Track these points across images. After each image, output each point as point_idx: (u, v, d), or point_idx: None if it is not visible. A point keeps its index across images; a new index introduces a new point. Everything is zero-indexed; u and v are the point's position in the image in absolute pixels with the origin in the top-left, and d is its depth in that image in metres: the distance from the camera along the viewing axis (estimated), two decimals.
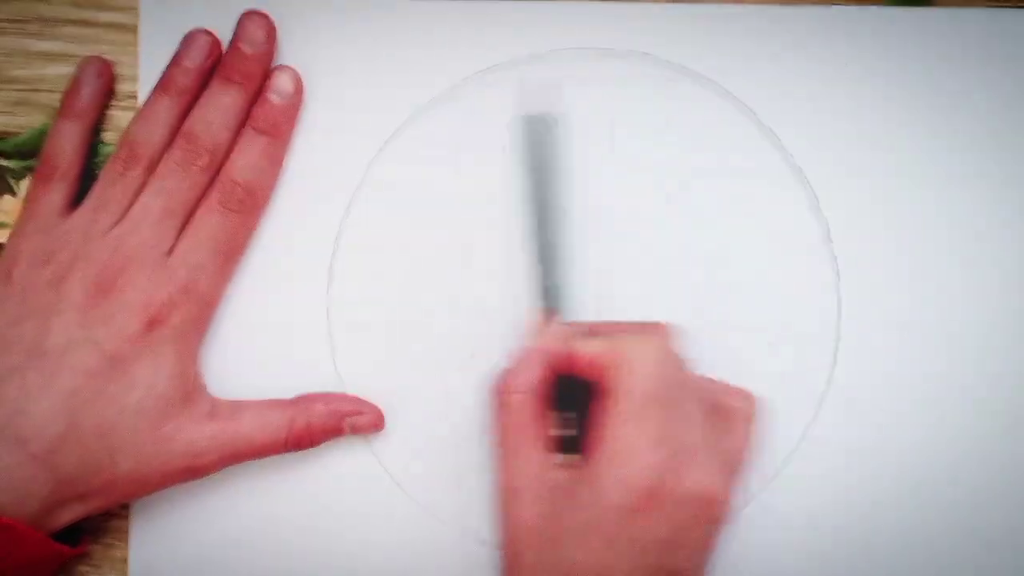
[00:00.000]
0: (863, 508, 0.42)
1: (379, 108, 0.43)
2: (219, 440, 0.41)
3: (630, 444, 0.35)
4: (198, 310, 0.41)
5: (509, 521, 0.37)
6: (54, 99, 0.44)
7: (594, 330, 0.39)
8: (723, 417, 0.39)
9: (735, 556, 0.42)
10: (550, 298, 0.41)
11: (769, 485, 0.42)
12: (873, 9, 0.43)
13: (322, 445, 0.42)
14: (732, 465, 0.38)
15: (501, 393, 0.38)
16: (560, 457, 0.38)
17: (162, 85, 0.42)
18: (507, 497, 0.37)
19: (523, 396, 0.38)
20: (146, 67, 0.44)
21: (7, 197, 0.44)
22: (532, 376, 0.38)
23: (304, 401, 0.42)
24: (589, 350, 0.37)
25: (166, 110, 0.42)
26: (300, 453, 0.42)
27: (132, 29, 0.44)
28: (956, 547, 0.42)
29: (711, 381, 0.40)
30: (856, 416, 0.43)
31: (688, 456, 0.36)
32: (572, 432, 0.38)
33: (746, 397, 0.40)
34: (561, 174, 0.42)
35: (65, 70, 0.44)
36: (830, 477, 0.42)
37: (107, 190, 0.41)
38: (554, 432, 0.38)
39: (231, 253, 0.42)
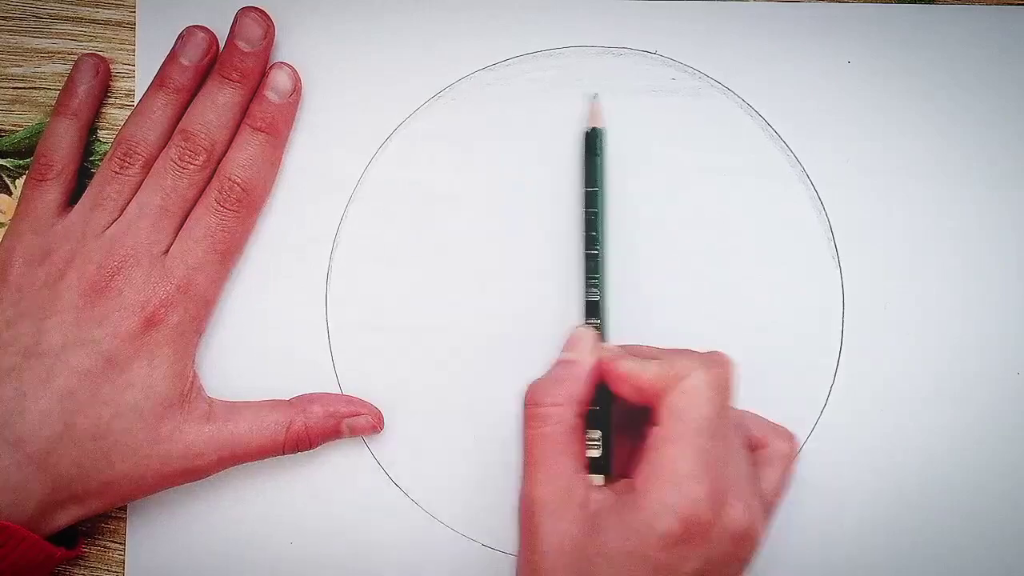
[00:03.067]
0: (866, 510, 0.42)
1: (378, 107, 0.43)
2: (216, 441, 0.40)
3: (680, 472, 0.34)
4: (195, 310, 0.41)
5: (540, 536, 0.35)
6: (50, 97, 0.44)
7: (644, 353, 0.38)
8: (763, 455, 0.38)
9: None
10: (595, 313, 0.39)
11: None
12: (877, 7, 0.43)
13: (320, 446, 0.42)
14: (768, 504, 0.38)
15: (536, 404, 0.37)
16: (598, 477, 0.37)
17: (158, 82, 0.42)
18: (538, 511, 0.36)
19: (560, 409, 0.37)
20: (143, 64, 0.44)
21: (3, 196, 0.44)
22: (574, 390, 0.37)
23: (302, 402, 0.42)
24: (647, 373, 0.36)
25: (162, 108, 0.42)
26: (298, 454, 0.42)
27: (129, 26, 0.44)
28: (958, 548, 0.42)
29: (754, 416, 0.40)
30: (860, 415, 0.42)
31: (733, 490, 0.35)
32: (597, 453, 0.38)
33: (788, 438, 0.39)
34: (606, 189, 0.42)
35: (61, 68, 0.44)
36: (833, 479, 0.42)
37: (103, 189, 0.41)
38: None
39: (228, 252, 0.42)
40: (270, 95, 0.42)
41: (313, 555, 0.42)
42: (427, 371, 0.43)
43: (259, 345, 0.43)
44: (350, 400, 0.42)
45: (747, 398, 0.42)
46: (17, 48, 0.44)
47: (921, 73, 0.43)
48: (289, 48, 0.43)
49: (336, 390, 0.43)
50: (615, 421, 0.38)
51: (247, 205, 0.42)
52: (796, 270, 0.43)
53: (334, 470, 0.43)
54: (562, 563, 0.35)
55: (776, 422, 0.40)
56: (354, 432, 0.42)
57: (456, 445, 0.43)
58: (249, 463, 0.41)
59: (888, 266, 0.43)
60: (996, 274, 0.42)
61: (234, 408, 0.41)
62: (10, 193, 0.44)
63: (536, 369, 0.42)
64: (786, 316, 0.42)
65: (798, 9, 0.43)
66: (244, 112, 0.42)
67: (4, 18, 0.44)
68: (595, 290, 0.40)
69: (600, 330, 0.39)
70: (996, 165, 0.43)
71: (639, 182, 0.43)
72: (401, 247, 0.43)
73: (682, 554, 0.34)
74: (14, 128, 0.44)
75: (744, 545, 0.35)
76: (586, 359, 0.38)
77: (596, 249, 0.40)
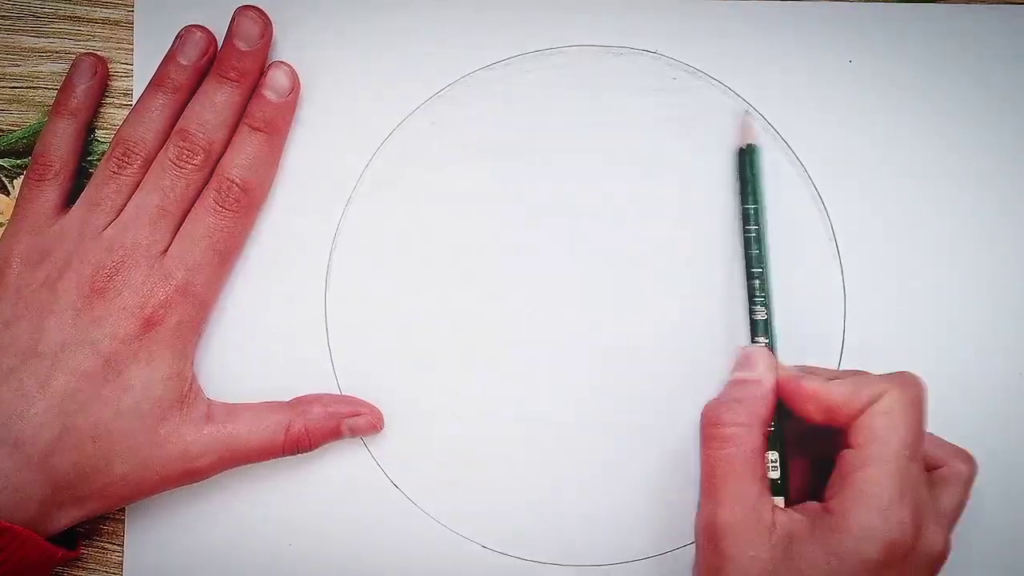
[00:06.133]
0: None
1: (377, 106, 0.43)
2: (216, 443, 0.40)
3: (883, 496, 0.34)
4: (194, 310, 0.41)
5: (728, 561, 0.35)
6: (48, 96, 0.44)
7: (821, 373, 0.37)
8: (941, 476, 0.38)
9: None
10: (765, 332, 0.39)
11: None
12: (878, 6, 0.43)
13: (320, 447, 0.42)
14: (950, 525, 0.37)
15: (719, 424, 0.36)
16: (779, 500, 0.36)
17: (156, 82, 0.42)
18: (725, 535, 0.35)
19: (744, 430, 0.36)
20: (141, 64, 0.43)
21: (0, 196, 0.44)
22: (757, 410, 0.37)
23: (301, 403, 0.42)
24: (838, 393, 0.36)
25: (160, 107, 0.41)
26: (297, 455, 0.42)
27: (127, 25, 0.44)
28: (958, 548, 0.41)
29: (934, 438, 0.39)
30: None
31: (926, 513, 0.35)
32: (776, 475, 0.37)
33: (967, 461, 0.39)
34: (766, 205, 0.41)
35: (59, 67, 0.44)
36: None
37: (101, 189, 0.41)
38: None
39: (227, 252, 0.42)
40: (268, 94, 0.42)
41: (312, 556, 0.42)
42: (426, 371, 0.43)
43: (258, 345, 0.43)
44: (350, 400, 0.42)
45: None
46: (15, 47, 0.44)
47: (922, 73, 0.42)
48: (287, 47, 0.43)
49: (335, 390, 0.43)
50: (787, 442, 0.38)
51: (246, 205, 0.42)
52: (797, 270, 0.42)
53: (333, 471, 0.43)
54: None
55: (956, 444, 0.39)
56: (354, 432, 0.42)
57: (455, 446, 0.42)
58: (248, 464, 0.41)
59: (889, 266, 0.42)
60: (997, 274, 0.42)
61: (233, 410, 0.41)
62: (8, 193, 0.44)
63: (534, 369, 0.42)
64: (787, 316, 0.42)
65: (798, 9, 0.43)
66: (242, 111, 0.42)
67: (2, 18, 0.44)
68: (763, 309, 0.39)
69: (771, 349, 0.39)
70: (996, 165, 0.42)
71: (638, 181, 0.43)
72: (400, 247, 0.43)
73: None
74: (12, 128, 0.44)
75: (936, 566, 0.35)
76: (767, 378, 0.37)
77: (761, 267, 0.40)
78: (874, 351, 0.42)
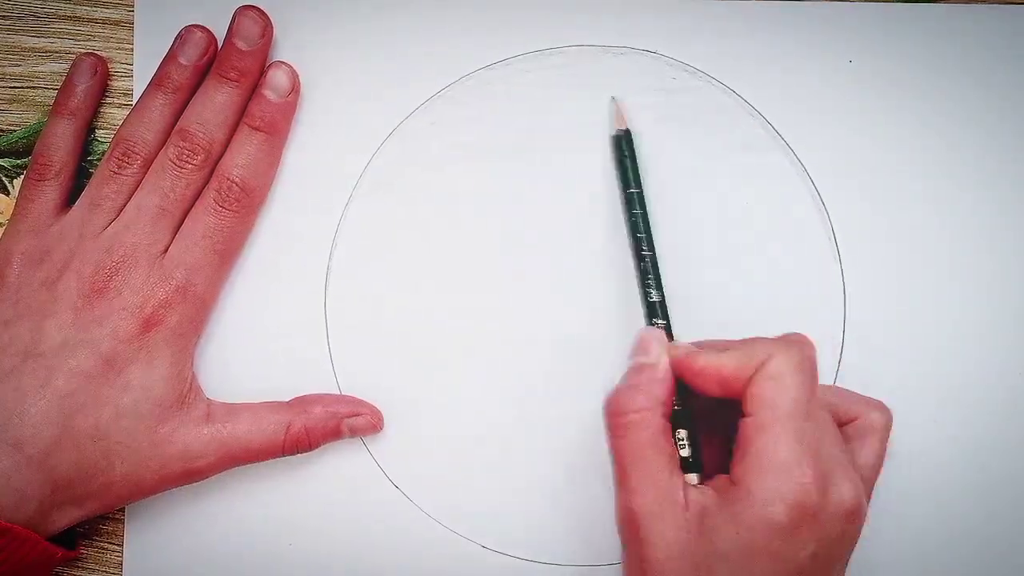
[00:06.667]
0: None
1: (377, 105, 0.43)
2: (215, 443, 0.40)
3: (781, 459, 0.34)
4: (194, 310, 0.41)
5: (648, 546, 0.35)
6: (48, 96, 0.44)
7: (715, 346, 0.37)
8: (856, 429, 0.38)
9: None
10: (659, 314, 0.39)
11: None
12: (878, 6, 0.43)
13: (320, 447, 0.42)
14: (867, 478, 0.37)
15: (620, 413, 0.36)
16: (692, 476, 0.36)
17: (156, 82, 0.42)
18: (642, 522, 0.35)
19: (646, 415, 0.36)
20: (141, 64, 0.43)
21: (1, 196, 0.44)
22: (656, 392, 0.36)
23: (301, 403, 0.42)
24: (728, 364, 0.36)
25: (160, 107, 0.41)
26: (297, 455, 0.42)
27: (127, 25, 0.44)
28: (959, 549, 0.42)
29: (841, 390, 0.39)
30: None
31: (836, 469, 0.34)
32: (687, 452, 0.37)
33: (880, 409, 0.38)
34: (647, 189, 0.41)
35: (59, 67, 0.44)
36: None
37: (101, 189, 0.41)
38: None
39: (227, 252, 0.42)
40: (268, 94, 0.42)
41: (312, 555, 0.42)
42: (426, 371, 0.43)
43: (258, 345, 0.43)
44: (349, 400, 0.42)
45: None
46: (15, 47, 0.44)
47: (922, 73, 0.42)
48: (287, 47, 0.43)
49: (335, 390, 0.43)
50: (697, 417, 0.38)
51: (246, 205, 0.42)
52: (797, 269, 0.42)
53: (332, 471, 0.42)
54: (674, 568, 0.34)
55: (866, 395, 0.39)
56: (354, 432, 0.42)
57: (455, 445, 0.42)
58: (248, 464, 0.41)
59: (889, 266, 0.42)
60: (997, 273, 0.42)
61: (233, 410, 0.41)
62: (8, 193, 0.44)
63: (534, 368, 0.42)
64: (787, 316, 0.42)
65: (798, 9, 0.43)
66: (242, 111, 0.42)
67: (2, 17, 0.44)
68: (655, 291, 0.39)
69: (666, 329, 0.39)
70: (996, 164, 0.42)
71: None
72: (400, 247, 0.43)
73: (797, 541, 0.34)
74: (12, 127, 0.44)
75: (854, 522, 0.35)
76: (660, 359, 0.37)
77: (648, 250, 0.40)
78: (874, 351, 0.42)
